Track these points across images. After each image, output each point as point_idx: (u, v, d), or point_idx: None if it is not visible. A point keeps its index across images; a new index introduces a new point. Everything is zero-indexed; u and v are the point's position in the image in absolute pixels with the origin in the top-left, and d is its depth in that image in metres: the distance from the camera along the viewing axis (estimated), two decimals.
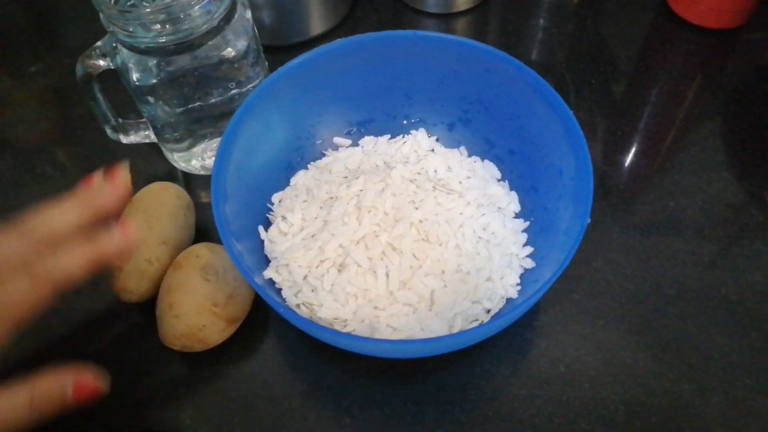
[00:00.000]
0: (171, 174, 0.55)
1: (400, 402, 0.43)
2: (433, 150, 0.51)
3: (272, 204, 0.48)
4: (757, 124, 0.57)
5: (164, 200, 0.46)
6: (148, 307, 0.45)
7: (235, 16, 0.45)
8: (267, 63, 0.53)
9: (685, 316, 0.46)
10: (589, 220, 0.38)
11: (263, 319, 0.46)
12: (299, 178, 0.49)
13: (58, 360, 0.40)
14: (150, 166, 0.56)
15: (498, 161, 0.50)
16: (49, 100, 0.63)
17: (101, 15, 0.42)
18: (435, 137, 0.52)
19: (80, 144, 0.59)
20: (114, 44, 0.44)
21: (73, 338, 0.47)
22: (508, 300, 0.43)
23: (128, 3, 0.44)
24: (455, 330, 0.41)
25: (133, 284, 0.44)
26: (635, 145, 0.57)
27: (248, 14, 0.47)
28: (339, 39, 0.47)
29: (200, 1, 0.41)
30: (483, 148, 0.50)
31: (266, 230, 0.46)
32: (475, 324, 0.41)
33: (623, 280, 0.47)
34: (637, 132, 0.58)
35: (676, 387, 0.43)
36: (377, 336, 0.40)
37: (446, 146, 0.51)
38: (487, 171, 0.49)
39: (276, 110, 0.46)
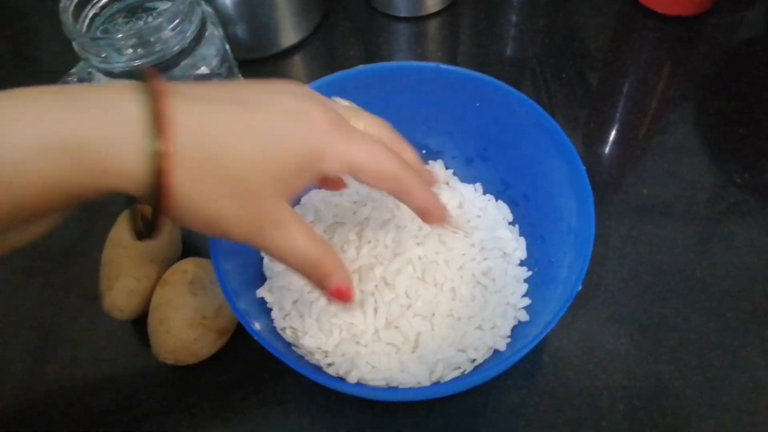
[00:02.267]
0: None
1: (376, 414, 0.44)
2: (447, 183, 0.50)
3: None
4: (727, 108, 0.58)
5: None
6: (139, 323, 0.46)
7: (206, 34, 0.46)
8: (242, 76, 0.54)
9: (663, 299, 0.47)
10: (580, 287, 0.36)
11: None
12: (311, 197, 0.49)
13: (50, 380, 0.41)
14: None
15: (512, 204, 0.49)
16: None
17: (74, 43, 0.43)
18: (452, 170, 0.51)
19: None
20: (89, 70, 0.45)
21: (72, 360, 0.47)
22: (495, 351, 0.42)
23: (99, 30, 0.45)
24: (435, 376, 0.40)
25: (123, 302, 0.45)
26: (609, 134, 0.58)
27: (218, 31, 0.48)
28: (362, 65, 0.47)
29: (170, 24, 0.42)
30: (498, 188, 0.50)
31: None
32: (457, 372, 0.41)
33: (601, 268, 0.49)
34: (611, 121, 0.59)
35: (656, 369, 0.44)
36: (354, 372, 0.40)
37: (462, 180, 0.51)
38: (499, 212, 0.48)
39: None
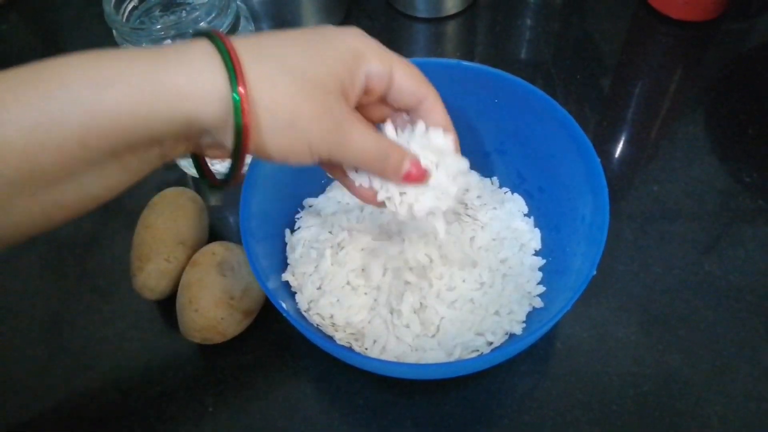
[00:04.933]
0: (182, 180, 0.58)
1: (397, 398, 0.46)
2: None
3: (303, 208, 0.50)
4: (736, 111, 0.60)
5: (180, 203, 0.49)
6: (168, 303, 0.48)
7: (239, 28, 0.48)
8: None
9: (672, 291, 0.49)
10: (594, 272, 0.38)
11: (277, 310, 0.49)
12: (334, 187, 0.51)
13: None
14: (163, 173, 0.59)
15: (527, 196, 0.51)
16: None
17: (114, 32, 0.45)
18: (469, 164, 0.53)
19: None
20: None
21: (103, 338, 0.49)
22: (511, 335, 0.44)
23: (138, 20, 0.47)
24: (453, 358, 0.42)
25: (153, 282, 0.47)
26: (621, 134, 0.60)
27: (251, 26, 0.50)
28: None
29: (207, 17, 0.44)
30: (515, 182, 0.52)
31: (293, 233, 0.49)
32: (474, 355, 0.42)
33: (612, 261, 0.50)
34: (623, 122, 0.61)
35: (666, 357, 0.46)
36: (376, 352, 0.42)
37: (480, 174, 0.53)
38: (515, 205, 0.50)
39: None
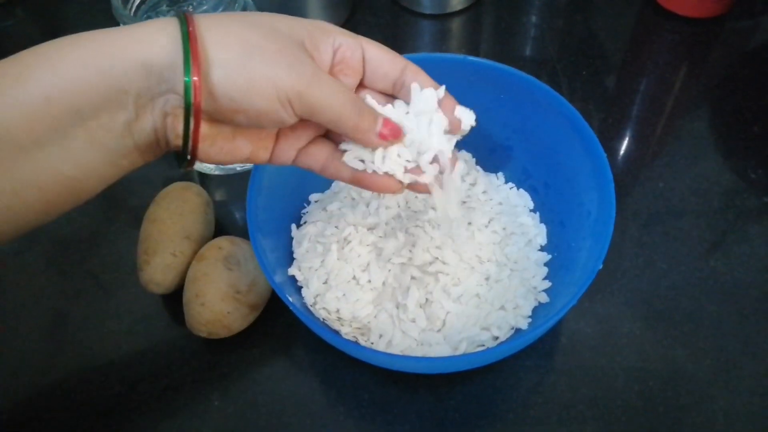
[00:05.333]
0: (188, 175, 0.58)
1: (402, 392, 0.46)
2: (470, 175, 0.52)
3: (309, 203, 0.50)
4: (742, 108, 0.60)
5: (186, 198, 0.49)
6: (174, 298, 0.48)
7: None
8: None
9: (677, 287, 0.49)
10: (601, 266, 0.38)
11: (282, 304, 0.49)
12: (340, 182, 0.50)
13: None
14: (168, 169, 0.59)
15: (533, 192, 0.51)
16: None
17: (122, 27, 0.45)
18: (475, 160, 0.53)
19: None
20: None
21: (109, 332, 0.50)
22: (516, 330, 0.44)
23: (145, 15, 0.47)
24: (459, 353, 0.42)
25: (160, 276, 0.47)
26: (626, 130, 0.60)
27: None
28: None
29: (214, 11, 0.45)
30: (520, 177, 0.52)
31: (298, 227, 0.49)
32: (480, 349, 0.43)
33: (618, 257, 0.50)
34: (628, 118, 0.61)
35: (671, 353, 0.46)
36: (382, 346, 0.43)
37: (486, 169, 0.53)
38: (520, 200, 0.51)
39: None
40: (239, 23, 0.30)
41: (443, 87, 0.37)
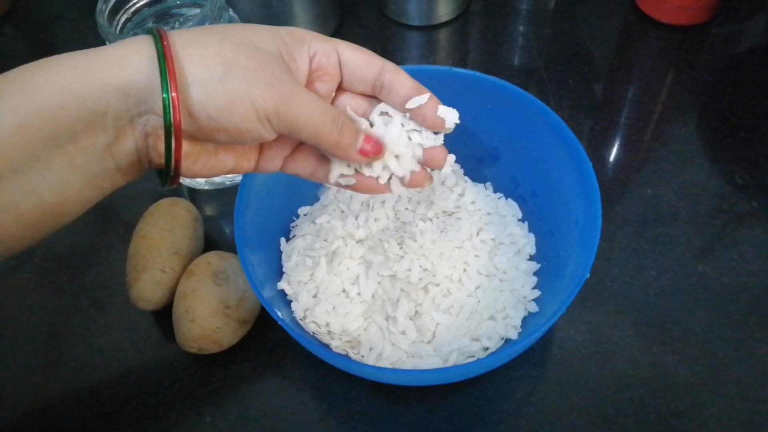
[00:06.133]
0: (177, 190, 0.58)
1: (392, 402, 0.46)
2: (459, 185, 0.52)
3: (298, 216, 0.50)
4: (728, 113, 0.61)
5: (175, 214, 0.49)
6: (164, 314, 0.48)
7: None
8: None
9: (666, 293, 0.49)
10: (588, 275, 0.38)
11: (272, 319, 0.49)
12: (329, 195, 0.51)
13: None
14: (157, 184, 0.58)
15: (521, 201, 0.51)
16: None
17: (107, 42, 0.46)
18: (463, 170, 0.53)
19: None
20: None
21: (99, 349, 0.49)
22: (507, 340, 0.43)
23: (131, 32, 0.48)
24: (449, 364, 0.42)
25: (149, 293, 0.47)
26: (614, 138, 0.60)
27: None
28: None
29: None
30: (508, 187, 0.52)
31: (287, 241, 0.49)
32: (471, 360, 0.42)
33: (607, 264, 0.51)
34: (616, 126, 0.61)
35: (661, 360, 0.46)
36: (372, 359, 0.43)
37: (473, 180, 0.53)
38: (509, 210, 0.51)
39: None
40: (216, 39, 0.30)
41: (427, 95, 0.37)
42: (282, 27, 0.33)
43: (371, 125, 0.37)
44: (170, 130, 0.29)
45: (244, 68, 0.29)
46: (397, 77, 0.36)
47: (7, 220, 0.28)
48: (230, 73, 0.29)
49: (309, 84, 0.34)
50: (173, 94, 0.28)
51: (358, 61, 0.35)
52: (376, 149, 0.35)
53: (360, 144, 0.34)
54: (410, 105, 0.36)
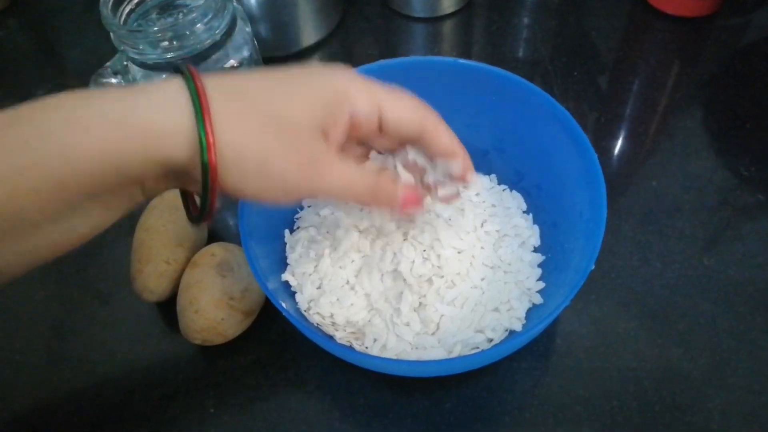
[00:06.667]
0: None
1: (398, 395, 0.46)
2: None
3: (302, 208, 0.50)
4: (734, 106, 0.60)
5: (179, 205, 0.49)
6: (168, 305, 0.48)
7: (236, 30, 0.48)
8: None
9: (671, 286, 0.49)
10: (593, 267, 0.38)
11: (276, 310, 0.49)
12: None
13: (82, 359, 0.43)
14: None
15: (525, 194, 0.51)
16: None
17: (112, 35, 0.45)
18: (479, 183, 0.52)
19: None
20: (124, 63, 0.47)
21: (104, 341, 0.50)
22: (511, 332, 0.43)
23: (136, 23, 0.47)
24: (453, 356, 0.42)
25: (153, 284, 0.47)
26: (619, 130, 0.60)
27: (248, 28, 0.50)
28: (381, 60, 0.48)
29: (203, 18, 0.45)
30: (513, 179, 0.51)
31: (291, 233, 0.49)
32: (475, 351, 0.42)
33: (612, 256, 0.50)
34: (621, 118, 0.61)
35: (666, 352, 0.46)
36: (375, 351, 0.43)
37: (478, 171, 0.51)
38: (513, 201, 0.50)
39: None
40: (256, 114, 0.30)
41: (459, 161, 0.38)
42: (329, 74, 0.33)
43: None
44: (207, 194, 0.30)
45: (278, 155, 0.30)
46: (438, 133, 0.36)
47: (43, 252, 0.29)
48: (265, 162, 0.30)
49: (348, 137, 0.34)
50: (213, 186, 0.29)
51: (400, 121, 0.35)
52: (416, 199, 0.36)
53: (400, 202, 0.36)
54: (440, 163, 0.38)
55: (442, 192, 0.38)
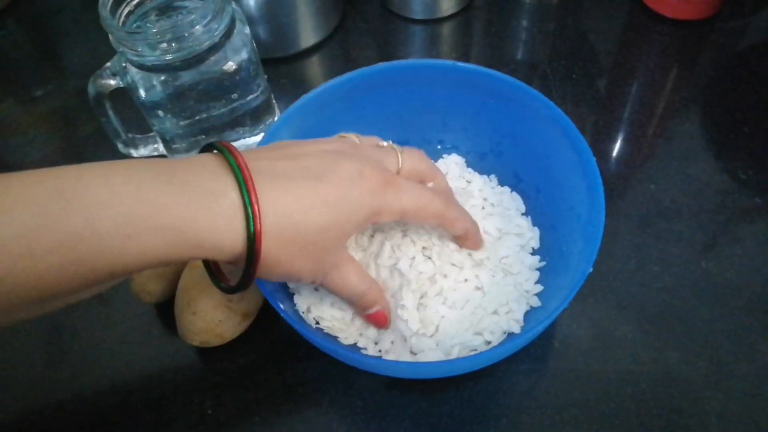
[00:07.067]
0: None
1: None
2: (463, 178, 0.52)
3: None
4: (732, 109, 0.60)
5: None
6: (166, 307, 0.48)
7: (235, 31, 0.48)
8: (266, 75, 0.56)
9: (669, 289, 0.49)
10: (591, 269, 0.38)
11: (275, 312, 0.49)
12: None
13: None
14: None
15: (524, 196, 0.51)
16: (56, 122, 0.66)
17: (111, 36, 0.45)
18: (465, 162, 0.53)
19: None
20: (123, 64, 0.47)
21: (101, 342, 0.50)
22: (509, 334, 0.43)
23: (134, 25, 0.47)
24: (451, 357, 0.42)
25: (151, 286, 0.47)
26: (618, 133, 0.60)
27: (246, 29, 0.50)
28: (383, 62, 0.49)
29: (202, 20, 0.45)
30: (511, 182, 0.51)
31: None
32: (473, 353, 0.42)
33: (609, 259, 0.50)
34: (619, 121, 0.61)
35: (663, 355, 0.46)
36: (372, 353, 0.43)
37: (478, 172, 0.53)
38: (513, 203, 0.50)
39: (316, 123, 0.48)
40: (296, 246, 0.34)
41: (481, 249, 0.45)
42: (363, 195, 0.35)
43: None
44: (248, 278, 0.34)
45: (302, 268, 0.35)
46: (450, 228, 0.42)
47: (60, 306, 0.31)
48: (291, 270, 0.35)
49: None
50: (250, 280, 0.34)
51: (419, 221, 0.40)
52: (380, 321, 0.42)
53: (370, 312, 0.42)
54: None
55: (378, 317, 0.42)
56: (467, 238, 0.43)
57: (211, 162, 0.32)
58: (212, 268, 0.38)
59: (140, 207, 0.28)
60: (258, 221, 0.31)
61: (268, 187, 0.32)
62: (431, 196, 0.39)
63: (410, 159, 0.41)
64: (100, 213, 0.27)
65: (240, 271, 0.34)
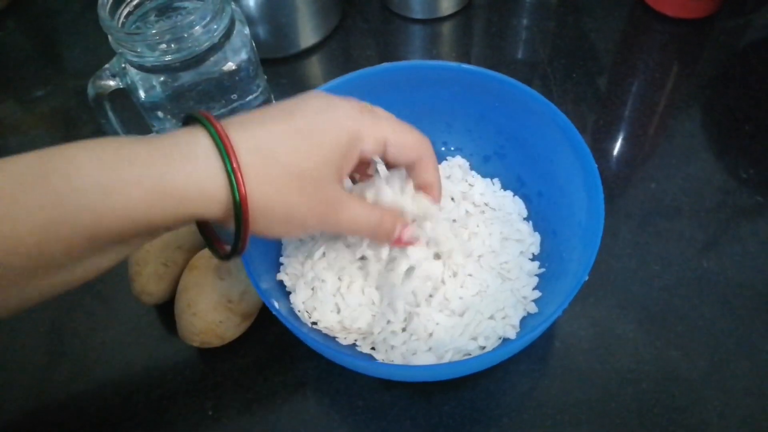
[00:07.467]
0: None
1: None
2: (466, 181, 0.52)
3: None
4: (733, 108, 0.60)
5: None
6: (166, 308, 0.48)
7: (234, 32, 0.48)
8: (265, 75, 0.56)
9: (670, 288, 0.49)
10: (586, 278, 0.38)
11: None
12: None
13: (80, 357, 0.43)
14: None
15: (527, 201, 0.50)
16: (56, 122, 0.66)
17: (110, 38, 0.45)
18: (469, 165, 0.53)
19: None
20: (123, 65, 0.47)
21: (102, 343, 0.50)
22: (504, 340, 0.43)
23: (134, 26, 0.47)
24: (444, 361, 0.41)
25: (152, 287, 0.47)
26: (618, 132, 0.60)
27: (246, 30, 0.50)
28: (385, 63, 0.49)
29: (201, 21, 0.44)
30: (514, 185, 0.51)
31: None
32: (467, 357, 0.42)
33: (611, 258, 0.50)
34: (620, 120, 0.61)
35: (664, 354, 0.46)
36: (367, 353, 0.43)
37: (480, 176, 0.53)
38: (515, 207, 0.50)
39: None
40: (282, 174, 0.32)
41: (436, 207, 0.42)
42: (339, 119, 0.35)
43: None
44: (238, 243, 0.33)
45: (302, 210, 0.34)
46: (427, 167, 0.40)
47: (59, 288, 0.31)
48: (291, 216, 0.33)
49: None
50: (244, 237, 0.33)
51: (402, 155, 0.39)
52: (409, 240, 0.40)
53: (397, 234, 0.40)
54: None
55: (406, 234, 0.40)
56: (434, 186, 0.41)
57: (186, 128, 0.33)
58: (208, 235, 0.37)
59: (119, 164, 0.29)
60: (232, 153, 0.30)
61: (239, 129, 0.32)
62: (410, 127, 0.39)
63: (385, 112, 0.40)
64: (80, 171, 0.28)
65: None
